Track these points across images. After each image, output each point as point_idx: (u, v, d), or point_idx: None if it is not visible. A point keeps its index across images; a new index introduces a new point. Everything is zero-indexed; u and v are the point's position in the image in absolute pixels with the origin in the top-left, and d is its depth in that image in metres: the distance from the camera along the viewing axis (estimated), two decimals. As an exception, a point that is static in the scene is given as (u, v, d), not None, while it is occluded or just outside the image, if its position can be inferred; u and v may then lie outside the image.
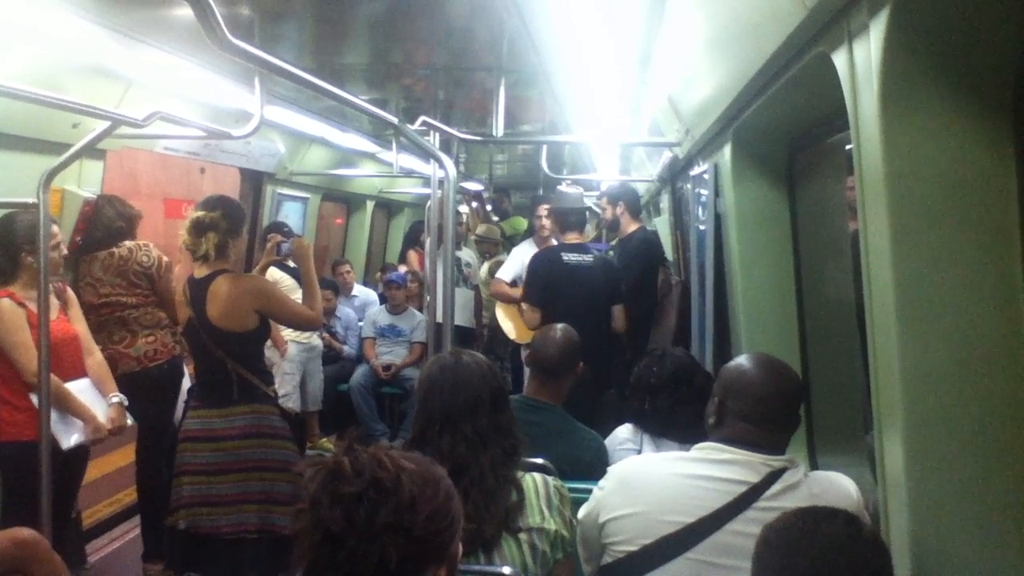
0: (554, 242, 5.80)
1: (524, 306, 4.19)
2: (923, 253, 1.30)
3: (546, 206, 5.23)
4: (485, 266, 6.17)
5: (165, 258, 3.71)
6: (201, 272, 3.04)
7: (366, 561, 1.08)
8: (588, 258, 4.17)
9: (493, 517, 1.72)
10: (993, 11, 1.21)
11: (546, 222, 5.13)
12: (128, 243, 3.62)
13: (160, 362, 3.66)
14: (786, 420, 1.72)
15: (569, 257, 4.21)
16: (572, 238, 4.30)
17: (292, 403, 5.32)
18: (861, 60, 1.37)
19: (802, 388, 1.79)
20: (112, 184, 3.96)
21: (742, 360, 1.79)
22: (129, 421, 3.37)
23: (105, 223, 3.59)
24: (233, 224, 3.07)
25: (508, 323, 4.90)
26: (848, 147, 1.51)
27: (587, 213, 4.47)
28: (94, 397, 3.23)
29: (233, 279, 3.02)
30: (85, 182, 3.61)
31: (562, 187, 4.66)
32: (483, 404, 1.84)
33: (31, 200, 2.80)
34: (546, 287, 4.07)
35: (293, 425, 3.15)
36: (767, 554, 1.27)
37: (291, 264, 5.41)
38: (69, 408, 3.08)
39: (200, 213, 3.04)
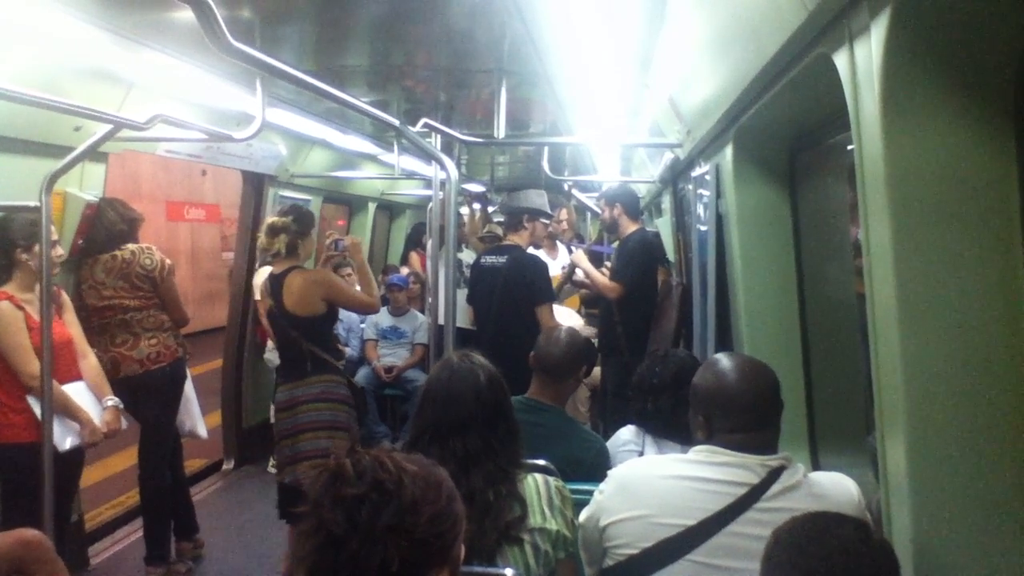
0: (558, 244, 5.82)
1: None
2: (924, 254, 1.30)
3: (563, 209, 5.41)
4: None
5: (168, 261, 3.71)
6: (278, 268, 3.62)
7: (368, 563, 1.08)
8: (501, 259, 4.27)
9: (489, 533, 1.71)
10: (994, 12, 1.21)
11: (566, 224, 5.36)
12: (131, 246, 3.62)
13: (163, 364, 3.66)
14: (773, 416, 1.71)
15: (486, 259, 4.36)
16: (512, 239, 4.39)
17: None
18: (862, 61, 1.37)
19: (777, 380, 1.74)
20: (114, 187, 3.97)
21: (714, 371, 1.74)
22: (124, 424, 3.38)
23: (107, 226, 3.59)
24: (302, 227, 3.63)
25: None
26: (850, 148, 1.51)
27: (524, 216, 4.45)
28: (89, 400, 3.23)
29: (303, 273, 3.58)
30: (87, 185, 3.62)
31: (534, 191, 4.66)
32: (474, 422, 1.81)
33: (33, 203, 2.81)
34: (470, 288, 4.39)
35: (357, 394, 3.71)
36: (777, 553, 1.27)
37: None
38: (66, 411, 3.08)
39: (274, 218, 3.66)
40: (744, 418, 1.67)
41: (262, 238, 3.63)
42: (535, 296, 4.11)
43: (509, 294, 4.13)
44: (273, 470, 5.30)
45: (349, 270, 6.62)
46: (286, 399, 3.54)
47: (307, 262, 3.83)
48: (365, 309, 4.07)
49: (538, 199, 4.51)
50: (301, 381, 3.52)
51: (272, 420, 3.77)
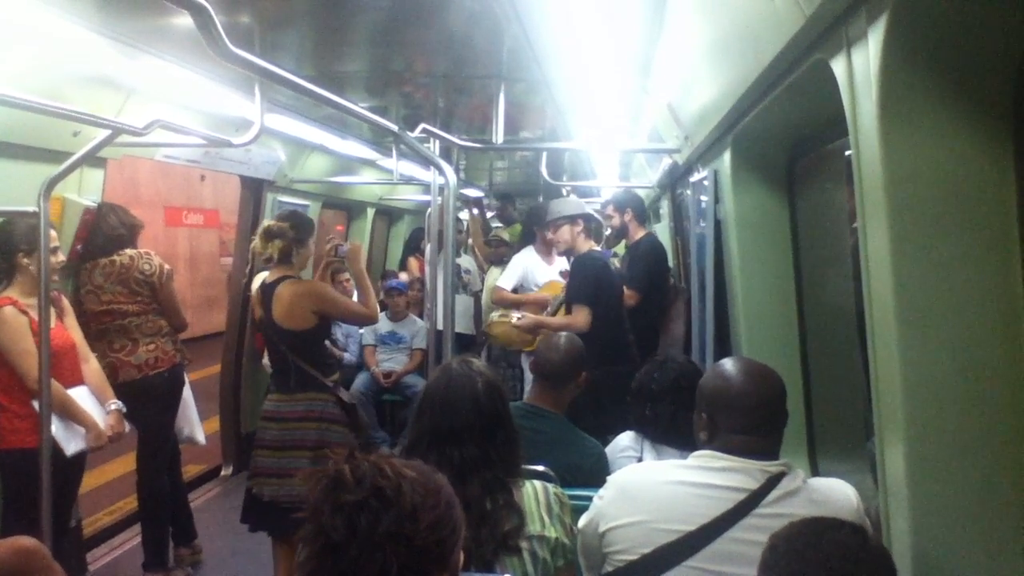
0: (555, 254, 5.80)
1: (574, 306, 4.23)
2: (923, 259, 1.30)
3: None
4: (496, 271, 6.04)
5: (166, 266, 3.71)
6: (271, 277, 3.47)
7: (367, 570, 1.08)
8: (615, 263, 4.46)
9: (486, 542, 1.70)
10: (991, 18, 1.21)
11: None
12: (129, 251, 3.62)
13: (161, 370, 3.65)
14: (777, 422, 1.71)
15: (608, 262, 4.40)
16: (593, 246, 4.41)
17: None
18: (860, 67, 1.37)
19: (784, 387, 1.75)
20: (113, 192, 3.97)
21: (721, 371, 1.76)
22: (127, 428, 3.38)
23: (106, 231, 3.59)
24: (299, 235, 3.47)
25: (497, 329, 4.88)
26: (847, 153, 1.51)
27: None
28: (93, 404, 3.24)
29: (294, 285, 3.41)
30: (85, 190, 3.62)
31: (563, 198, 4.74)
32: (471, 431, 1.79)
33: (31, 208, 2.81)
34: (597, 288, 4.19)
35: (350, 412, 3.52)
36: (773, 560, 1.27)
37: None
38: (71, 415, 3.09)
39: (271, 222, 3.49)
40: (747, 419, 1.67)
41: (256, 241, 3.46)
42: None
43: (621, 295, 4.28)
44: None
45: (347, 275, 6.64)
46: (273, 410, 3.44)
47: (302, 272, 3.67)
48: (362, 321, 3.93)
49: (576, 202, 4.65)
50: (285, 395, 3.42)
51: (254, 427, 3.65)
